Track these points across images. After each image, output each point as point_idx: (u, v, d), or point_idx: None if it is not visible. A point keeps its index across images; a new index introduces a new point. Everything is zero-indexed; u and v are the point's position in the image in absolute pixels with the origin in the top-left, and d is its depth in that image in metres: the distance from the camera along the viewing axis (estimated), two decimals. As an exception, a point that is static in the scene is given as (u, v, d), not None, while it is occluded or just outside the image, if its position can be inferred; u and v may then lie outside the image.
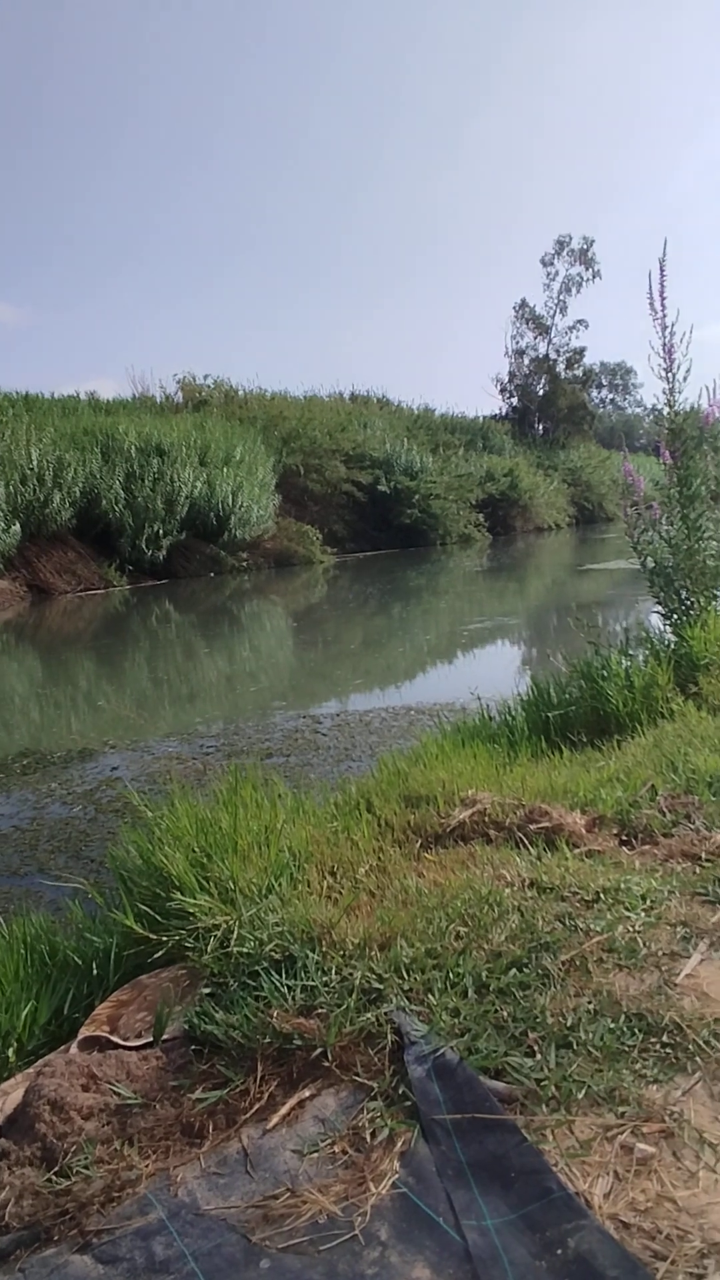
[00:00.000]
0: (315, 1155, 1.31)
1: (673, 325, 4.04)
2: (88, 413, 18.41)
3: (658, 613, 4.29)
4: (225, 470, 17.21)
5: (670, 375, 4.09)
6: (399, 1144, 1.30)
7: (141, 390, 22.17)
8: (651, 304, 4.03)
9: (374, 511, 21.62)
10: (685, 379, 4.09)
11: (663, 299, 4.03)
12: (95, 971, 1.98)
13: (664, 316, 4.03)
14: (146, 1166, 1.34)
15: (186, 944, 1.88)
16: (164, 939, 1.91)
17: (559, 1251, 1.09)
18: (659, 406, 4.25)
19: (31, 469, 14.26)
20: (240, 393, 23.35)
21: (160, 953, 1.91)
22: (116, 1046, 1.68)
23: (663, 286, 4.02)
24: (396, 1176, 1.24)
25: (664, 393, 4.14)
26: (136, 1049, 1.66)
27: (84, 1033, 1.74)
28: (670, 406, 4.12)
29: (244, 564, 17.64)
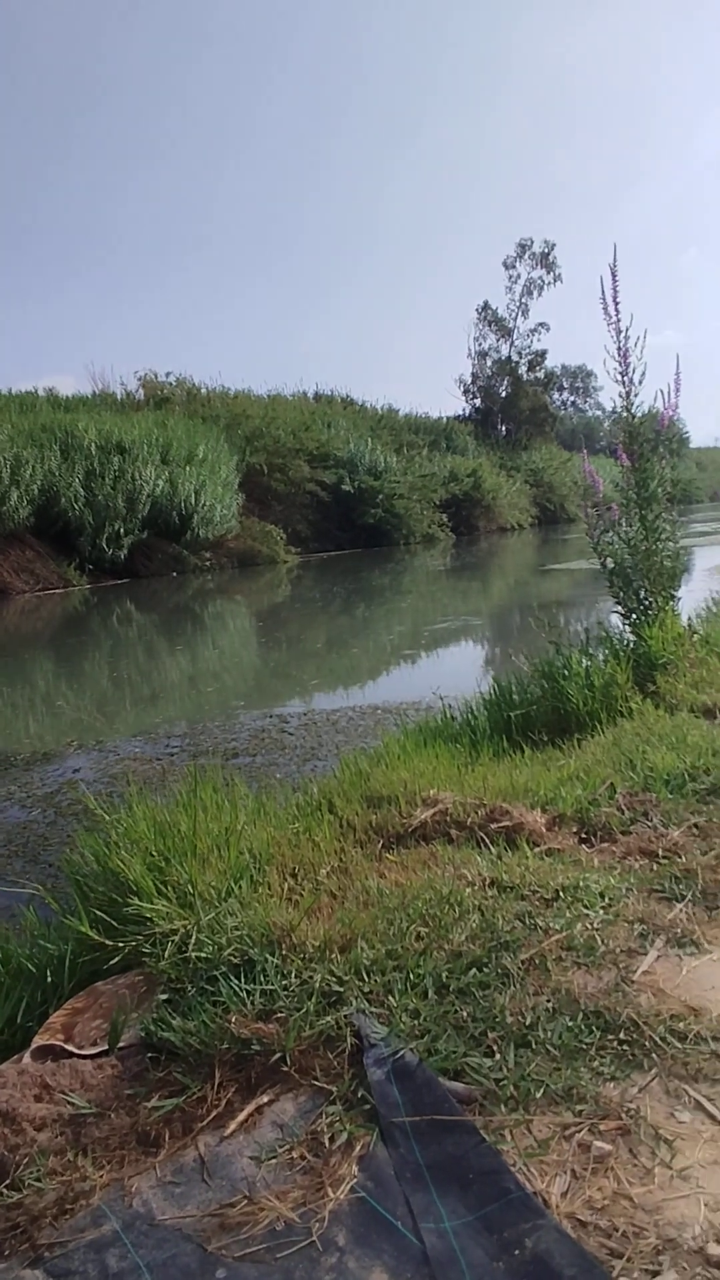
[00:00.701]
0: (273, 1161, 1.29)
1: (627, 330, 4.09)
2: (46, 409, 18.12)
3: (617, 613, 4.34)
4: (188, 469, 17.07)
5: (626, 379, 4.15)
6: (358, 1148, 1.29)
7: (102, 387, 21.94)
8: (605, 309, 4.08)
9: (338, 511, 21.61)
10: (641, 383, 4.15)
11: (615, 304, 4.07)
12: (50, 979, 1.94)
13: (618, 321, 4.07)
14: (101, 1177, 1.32)
15: (144, 950, 1.85)
16: (120, 945, 1.88)
17: (516, 1252, 1.09)
18: (618, 409, 4.30)
19: (-12, 466, 14.00)
20: (203, 390, 23.20)
21: (117, 959, 1.88)
22: (71, 1055, 1.65)
23: (615, 291, 4.07)
24: (355, 1181, 1.23)
25: (620, 396, 4.19)
26: (91, 1057, 1.63)
27: (37, 1042, 1.70)
28: (627, 410, 4.17)
29: (207, 563, 17.51)
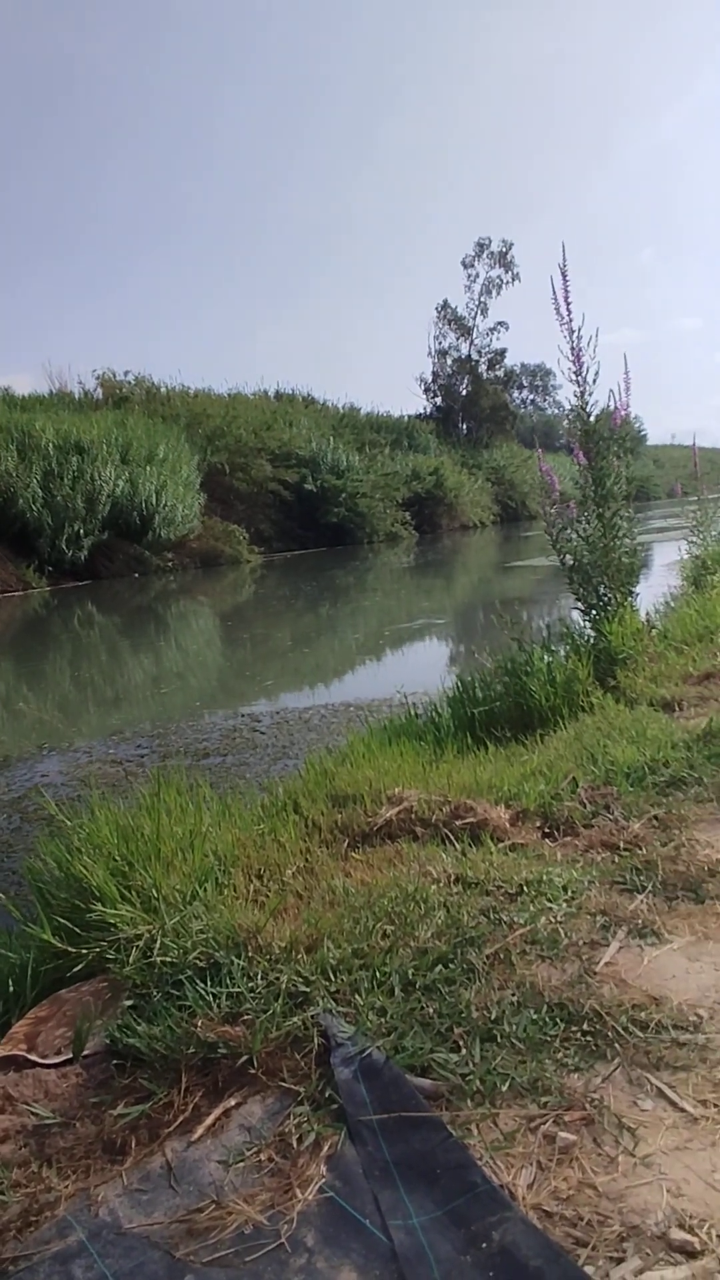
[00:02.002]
0: (241, 1165, 1.29)
1: (579, 330, 4.13)
2: (2, 409, 17.80)
3: (578, 609, 4.39)
4: (148, 469, 16.91)
5: (580, 379, 4.19)
6: (326, 1148, 1.29)
7: (59, 386, 21.61)
8: (557, 309, 4.12)
9: (301, 510, 21.57)
10: (595, 381, 4.20)
11: (568, 304, 4.12)
12: (11, 989, 1.91)
13: (570, 321, 4.12)
14: (66, 1187, 1.30)
15: (107, 956, 1.83)
16: (84, 951, 1.86)
17: (484, 1245, 1.09)
18: (575, 407, 4.35)
19: (-57, 467, 13.73)
20: (163, 390, 22.98)
21: (80, 966, 1.86)
22: (34, 1065, 1.62)
23: (566, 292, 4.11)
24: (323, 1181, 1.23)
25: (575, 395, 4.24)
26: (55, 1066, 1.61)
27: (0, 1052, 1.68)
28: (582, 409, 4.22)
29: (169, 564, 17.36)
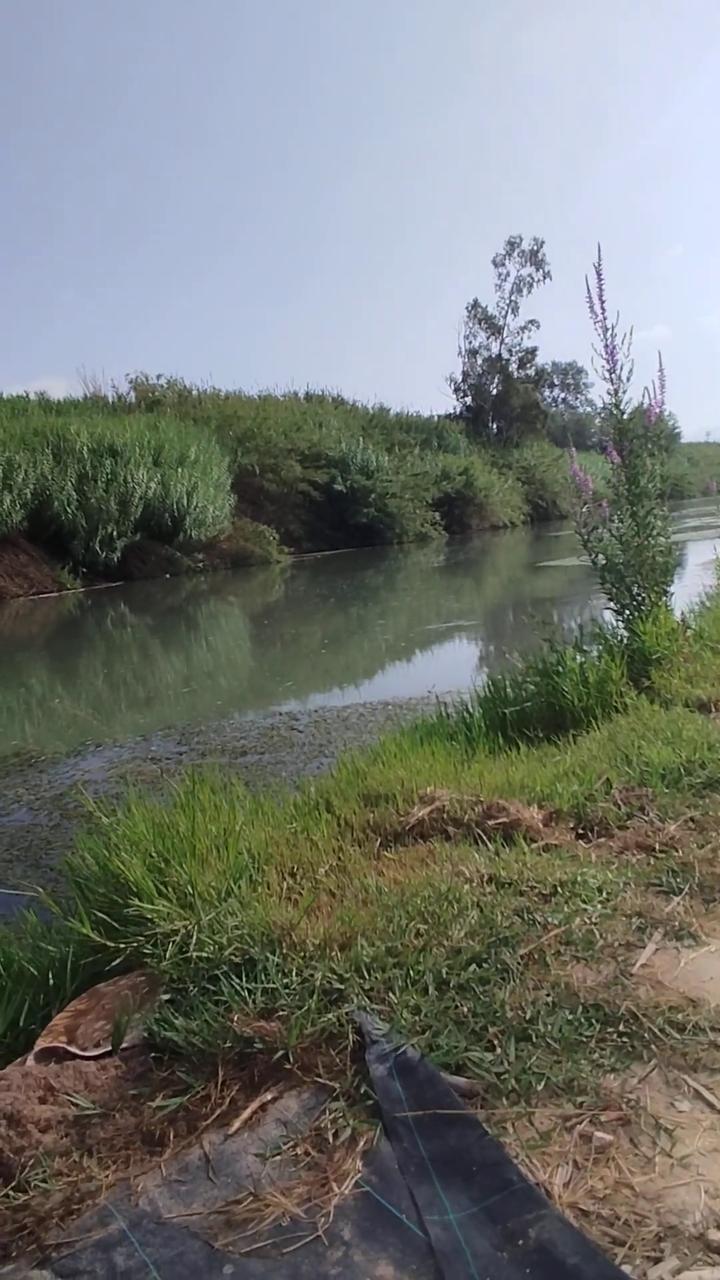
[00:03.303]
0: (278, 1158, 1.31)
1: (613, 327, 4.10)
2: (38, 413, 18.06)
3: (610, 609, 4.36)
4: (180, 470, 17.05)
5: (614, 376, 4.16)
6: (361, 1143, 1.30)
7: (93, 390, 21.88)
8: (591, 307, 4.09)
9: (330, 511, 21.62)
10: (629, 379, 4.17)
11: (602, 301, 4.09)
12: (52, 981, 1.95)
13: (604, 319, 4.09)
14: (106, 1177, 1.33)
15: (145, 950, 1.86)
16: (122, 946, 1.89)
17: (520, 1242, 1.10)
18: (607, 406, 4.32)
19: (-20, 470, 13.97)
20: (194, 392, 23.17)
21: (118, 960, 1.89)
22: (74, 1057, 1.66)
23: (601, 289, 4.08)
24: (359, 1175, 1.24)
25: (609, 393, 4.20)
26: (95, 1058, 1.64)
27: (41, 1044, 1.71)
28: (616, 406, 4.19)
29: (200, 565, 17.50)
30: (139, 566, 16.61)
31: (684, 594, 6.12)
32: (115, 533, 15.77)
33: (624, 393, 4.15)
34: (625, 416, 4.16)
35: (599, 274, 4.04)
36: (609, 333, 4.07)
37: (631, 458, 4.14)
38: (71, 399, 20.94)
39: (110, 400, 21.65)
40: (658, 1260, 1.04)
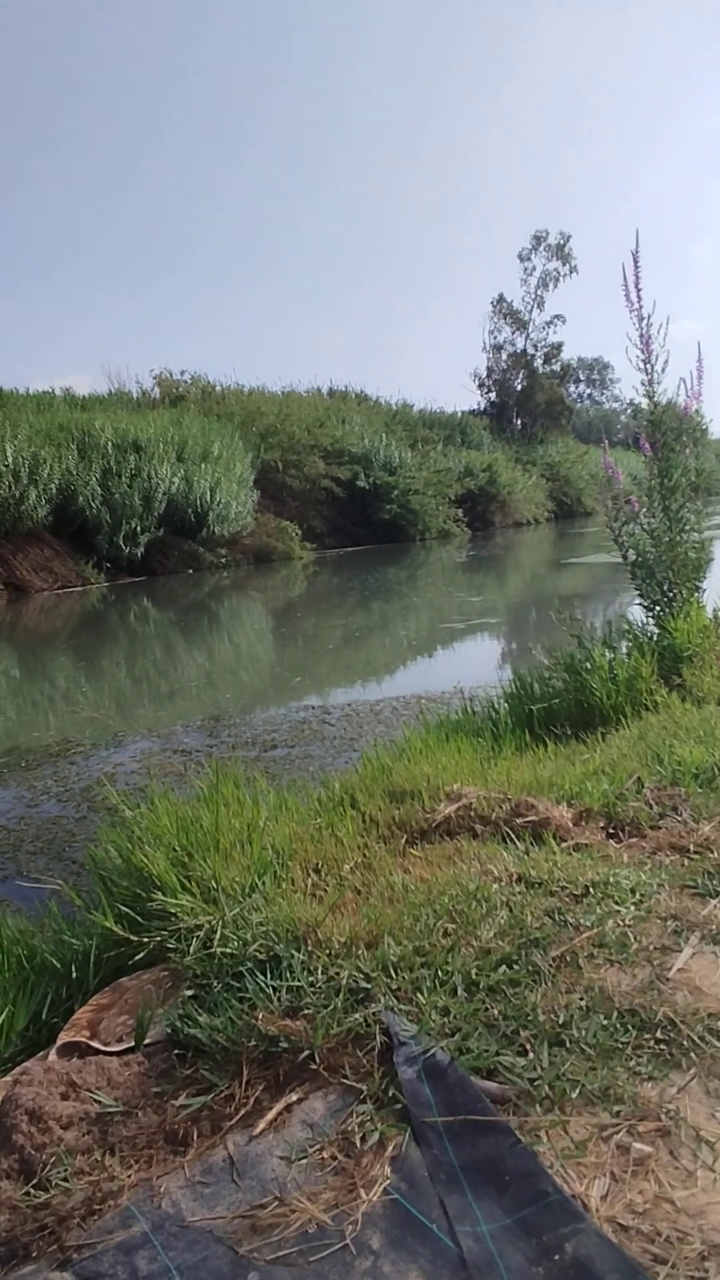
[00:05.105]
0: (304, 1162, 1.27)
1: (649, 317, 4.03)
2: (63, 409, 18.17)
3: (640, 605, 4.28)
4: (203, 466, 17.08)
5: (649, 367, 4.08)
6: (390, 1148, 1.26)
7: (118, 386, 21.97)
8: (627, 295, 4.02)
9: (353, 507, 21.56)
10: (664, 370, 4.08)
11: (638, 291, 4.01)
12: (74, 975, 1.93)
13: (640, 308, 4.01)
14: (129, 1177, 1.30)
15: (168, 945, 1.83)
16: (145, 940, 1.87)
17: (556, 1257, 1.05)
18: (637, 400, 4.24)
19: (6, 465, 14.05)
20: (217, 388, 23.20)
21: (141, 955, 1.86)
22: (97, 1052, 1.63)
23: (637, 278, 4.01)
24: (388, 1182, 1.21)
25: (643, 384, 4.12)
26: (117, 1054, 1.61)
27: (63, 1038, 1.69)
28: (650, 398, 4.11)
29: (223, 560, 17.52)
30: (162, 562, 16.66)
31: (717, 590, 6.02)
32: (139, 528, 15.82)
33: (658, 384, 4.07)
34: (659, 408, 4.07)
35: (635, 261, 3.96)
36: (644, 321, 3.99)
37: (664, 451, 4.06)
38: (96, 395, 21.07)
39: (134, 396, 21.73)
40: (702, 1280, 1.00)
